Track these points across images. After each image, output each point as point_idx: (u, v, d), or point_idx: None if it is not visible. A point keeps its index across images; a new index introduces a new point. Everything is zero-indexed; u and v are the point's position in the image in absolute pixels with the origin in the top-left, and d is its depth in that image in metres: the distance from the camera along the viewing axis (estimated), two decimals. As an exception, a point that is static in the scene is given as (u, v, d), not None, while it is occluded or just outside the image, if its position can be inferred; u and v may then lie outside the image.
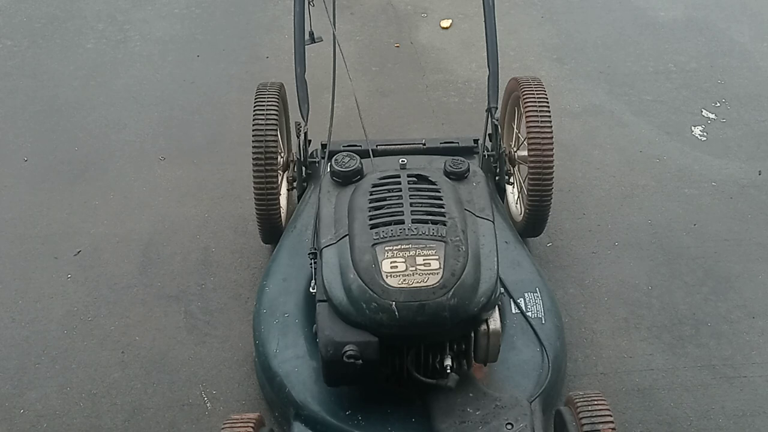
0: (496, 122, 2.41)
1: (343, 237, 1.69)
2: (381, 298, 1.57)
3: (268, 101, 2.29)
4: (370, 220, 1.68)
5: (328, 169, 1.86)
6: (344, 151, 1.91)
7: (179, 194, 2.80)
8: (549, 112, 2.24)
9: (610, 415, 1.64)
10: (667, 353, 2.26)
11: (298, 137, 2.39)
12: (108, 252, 2.58)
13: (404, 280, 1.58)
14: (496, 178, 2.47)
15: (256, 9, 3.77)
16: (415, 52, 3.51)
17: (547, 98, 2.27)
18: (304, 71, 2.36)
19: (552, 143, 2.23)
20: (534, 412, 1.69)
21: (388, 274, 1.59)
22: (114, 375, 2.21)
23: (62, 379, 2.20)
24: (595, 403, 1.67)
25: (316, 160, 2.45)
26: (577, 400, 1.70)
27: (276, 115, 2.28)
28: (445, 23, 3.67)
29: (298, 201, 2.41)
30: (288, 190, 2.53)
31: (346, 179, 1.82)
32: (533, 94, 2.27)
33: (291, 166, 2.44)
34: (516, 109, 2.44)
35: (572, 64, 3.43)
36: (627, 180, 2.85)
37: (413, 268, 1.59)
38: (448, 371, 1.66)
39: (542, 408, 1.79)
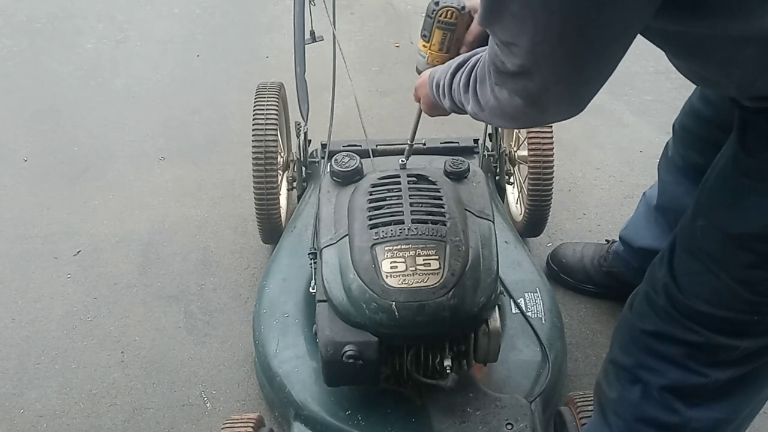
0: (496, 122, 2.40)
1: (342, 237, 1.68)
2: (381, 298, 1.57)
3: (268, 101, 2.29)
4: (370, 220, 1.67)
5: (328, 169, 1.86)
6: (344, 151, 1.91)
7: (179, 194, 2.80)
8: (549, 112, 2.24)
9: (610, 415, 1.64)
10: (667, 353, 2.26)
11: (298, 137, 2.39)
12: (108, 252, 2.58)
13: (404, 280, 1.58)
14: (496, 178, 2.47)
15: (256, 9, 3.78)
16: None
17: (547, 98, 2.27)
18: (304, 71, 2.36)
19: (552, 143, 2.23)
20: (534, 412, 1.69)
21: (388, 274, 1.58)
22: (114, 375, 2.21)
23: (62, 379, 2.20)
24: (595, 403, 1.67)
25: (316, 160, 2.45)
26: (577, 400, 1.70)
27: (276, 115, 2.28)
28: (445, 23, 3.66)
29: (298, 201, 2.41)
30: (288, 190, 2.53)
31: (345, 179, 1.82)
32: (533, 94, 2.27)
33: (291, 166, 2.44)
34: (516, 109, 2.44)
35: (572, 64, 3.42)
36: (627, 180, 2.84)
37: (413, 268, 1.59)
38: (448, 371, 1.66)
39: (542, 408, 1.79)
